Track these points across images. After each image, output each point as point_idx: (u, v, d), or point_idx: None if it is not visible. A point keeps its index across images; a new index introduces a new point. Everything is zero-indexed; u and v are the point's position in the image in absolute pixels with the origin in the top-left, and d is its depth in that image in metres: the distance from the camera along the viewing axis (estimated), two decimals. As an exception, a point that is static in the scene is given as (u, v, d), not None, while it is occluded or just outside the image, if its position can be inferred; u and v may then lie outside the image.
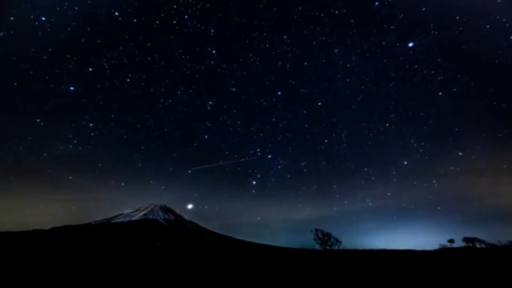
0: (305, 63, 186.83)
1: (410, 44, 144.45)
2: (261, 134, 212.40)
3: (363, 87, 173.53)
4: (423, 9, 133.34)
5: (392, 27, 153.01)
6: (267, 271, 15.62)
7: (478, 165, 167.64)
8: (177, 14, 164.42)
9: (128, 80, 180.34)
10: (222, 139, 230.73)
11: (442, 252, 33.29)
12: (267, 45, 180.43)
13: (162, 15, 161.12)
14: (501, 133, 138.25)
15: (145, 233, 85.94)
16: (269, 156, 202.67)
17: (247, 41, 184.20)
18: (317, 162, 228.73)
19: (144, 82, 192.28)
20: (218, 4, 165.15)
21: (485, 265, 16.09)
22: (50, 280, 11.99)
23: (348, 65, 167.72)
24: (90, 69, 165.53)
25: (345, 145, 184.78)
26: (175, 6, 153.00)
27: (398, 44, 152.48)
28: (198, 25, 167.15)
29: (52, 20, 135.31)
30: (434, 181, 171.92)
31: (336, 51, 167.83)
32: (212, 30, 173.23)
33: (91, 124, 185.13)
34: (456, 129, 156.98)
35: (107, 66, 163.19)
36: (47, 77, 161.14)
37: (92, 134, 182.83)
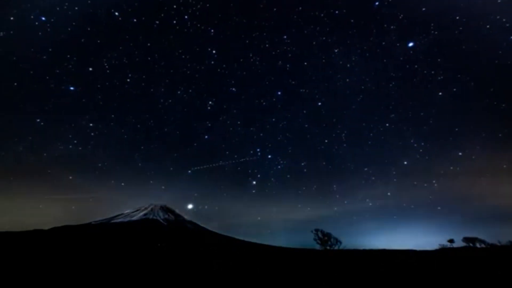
0: (305, 63, 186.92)
1: (410, 44, 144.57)
2: (261, 134, 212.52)
3: (363, 87, 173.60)
4: (423, 9, 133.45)
5: (392, 27, 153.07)
6: (267, 271, 15.61)
7: (478, 165, 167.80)
8: (177, 14, 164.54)
9: (128, 80, 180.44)
10: (222, 139, 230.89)
11: (442, 252, 33.28)
12: (267, 45, 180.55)
13: (162, 15, 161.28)
14: (501, 133, 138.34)
15: (145, 233, 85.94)
16: (269, 156, 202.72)
17: (247, 41, 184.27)
18: (317, 162, 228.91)
19: (144, 82, 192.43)
20: (218, 4, 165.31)
21: (485, 265, 16.08)
22: (50, 280, 11.98)
23: (348, 65, 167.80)
24: (90, 69, 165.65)
25: (345, 145, 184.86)
26: (175, 6, 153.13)
27: (398, 44, 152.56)
28: (198, 25, 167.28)
29: (52, 20, 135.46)
30: (434, 181, 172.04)
31: (336, 51, 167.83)
32: (212, 30, 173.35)
33: (91, 124, 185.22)
34: (456, 129, 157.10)
35: (107, 66, 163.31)
36: (47, 77, 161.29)
37: (92, 134, 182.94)
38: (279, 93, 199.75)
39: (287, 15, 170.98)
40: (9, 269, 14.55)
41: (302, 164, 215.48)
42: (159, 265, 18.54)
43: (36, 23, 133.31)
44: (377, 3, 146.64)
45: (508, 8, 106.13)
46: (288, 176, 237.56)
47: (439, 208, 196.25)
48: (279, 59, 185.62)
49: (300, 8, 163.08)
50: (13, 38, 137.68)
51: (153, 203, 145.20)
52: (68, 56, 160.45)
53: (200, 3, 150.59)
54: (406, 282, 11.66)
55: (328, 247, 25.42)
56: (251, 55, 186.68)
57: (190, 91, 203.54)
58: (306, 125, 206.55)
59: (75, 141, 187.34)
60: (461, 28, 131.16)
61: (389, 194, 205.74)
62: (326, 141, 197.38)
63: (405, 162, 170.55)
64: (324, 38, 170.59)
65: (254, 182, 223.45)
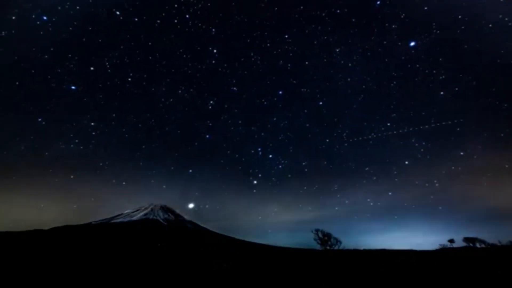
0: (306, 63, 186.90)
1: (412, 44, 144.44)
2: (262, 134, 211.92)
3: (364, 87, 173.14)
4: (425, 8, 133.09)
5: (393, 26, 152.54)
6: (267, 271, 15.59)
7: (480, 165, 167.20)
8: (178, 14, 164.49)
9: (129, 79, 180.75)
10: (223, 139, 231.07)
11: (442, 252, 33.25)
12: (268, 45, 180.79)
13: (163, 14, 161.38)
14: (503, 133, 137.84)
15: (145, 233, 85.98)
16: (270, 156, 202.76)
17: (248, 41, 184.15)
18: (318, 161, 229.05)
19: (145, 82, 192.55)
20: (219, 4, 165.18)
21: (486, 265, 16.05)
22: (50, 280, 11.98)
23: (350, 65, 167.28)
24: (92, 68, 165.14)
25: (346, 144, 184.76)
26: (176, 6, 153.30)
27: (399, 44, 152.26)
28: (199, 25, 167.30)
29: (53, 19, 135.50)
30: (435, 181, 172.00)
31: (337, 50, 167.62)
32: (213, 30, 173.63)
33: (92, 124, 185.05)
34: (458, 129, 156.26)
35: (108, 66, 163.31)
36: (49, 77, 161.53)
37: (93, 133, 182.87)
38: (280, 92, 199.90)
39: (288, 14, 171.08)
40: (9, 269, 14.55)
41: (303, 163, 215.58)
42: (159, 265, 18.54)
43: (38, 22, 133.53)
44: (378, 2, 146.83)
45: (510, 7, 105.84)
46: (289, 175, 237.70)
47: (440, 208, 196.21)
48: (280, 59, 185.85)
49: (302, 7, 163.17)
50: (14, 38, 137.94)
51: (153, 203, 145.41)
52: (70, 55, 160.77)
53: (201, 3, 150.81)
54: (406, 282, 11.64)
55: (328, 247, 25.40)
56: (252, 55, 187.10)
57: (191, 90, 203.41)
58: (307, 125, 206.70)
59: (76, 140, 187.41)
60: (463, 27, 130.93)
61: (390, 193, 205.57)
62: (327, 140, 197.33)
63: (406, 162, 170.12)
64: (325, 37, 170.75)
65: (255, 182, 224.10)
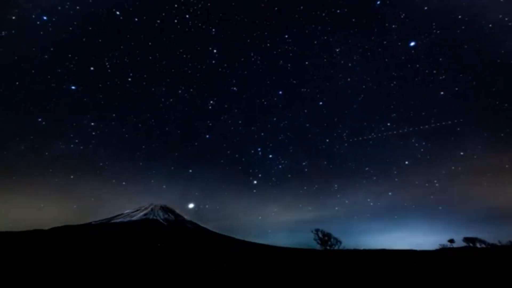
0: (306, 63, 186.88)
1: (412, 43, 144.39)
2: (262, 134, 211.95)
3: (364, 87, 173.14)
4: (425, 8, 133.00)
5: (393, 26, 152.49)
6: (267, 271, 15.59)
7: (480, 164, 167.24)
8: (178, 14, 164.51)
9: (129, 79, 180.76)
10: (223, 139, 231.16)
11: (442, 252, 33.25)
12: (268, 45, 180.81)
13: (163, 14, 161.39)
14: (503, 133, 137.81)
15: (145, 233, 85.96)
16: (270, 156, 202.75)
17: (248, 41, 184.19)
18: (318, 161, 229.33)
19: (145, 82, 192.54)
20: (219, 4, 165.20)
21: (486, 265, 16.05)
22: (50, 280, 11.98)
23: (350, 65, 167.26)
24: (92, 68, 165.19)
25: (346, 144, 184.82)
26: (176, 6, 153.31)
27: (399, 43, 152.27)
28: (199, 25, 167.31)
29: (53, 19, 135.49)
30: (435, 181, 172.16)
31: (337, 50, 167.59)
32: (213, 30, 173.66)
33: (92, 123, 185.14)
34: (458, 129, 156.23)
35: (108, 66, 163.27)
36: (49, 77, 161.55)
37: (93, 133, 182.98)
38: (280, 92, 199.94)
39: (288, 14, 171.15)
40: (9, 269, 14.55)
41: (303, 163, 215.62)
42: (159, 265, 18.54)
43: (38, 22, 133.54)
44: (378, 2, 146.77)
45: (510, 7, 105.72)
46: (289, 175, 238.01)
47: (440, 208, 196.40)
48: (280, 59, 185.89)
49: (302, 7, 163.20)
50: (14, 38, 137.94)
51: (153, 203, 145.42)
52: (70, 55, 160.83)
53: (201, 3, 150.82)
54: (406, 282, 11.64)
55: (328, 247, 25.39)
56: (252, 55, 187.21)
57: (191, 90, 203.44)
58: (307, 125, 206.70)
59: (76, 140, 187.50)
60: (463, 27, 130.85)
61: (390, 193, 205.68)
62: (327, 140, 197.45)
63: (406, 162, 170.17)
64: (325, 37, 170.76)
65: (255, 182, 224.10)
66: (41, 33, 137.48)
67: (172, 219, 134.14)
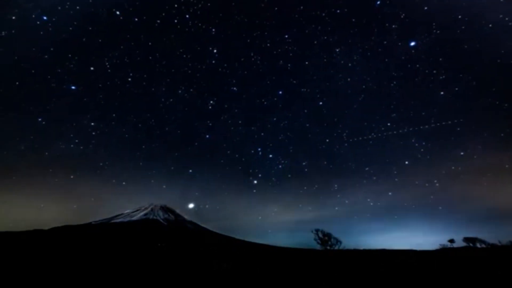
0: (306, 63, 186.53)
1: (412, 43, 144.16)
2: (262, 134, 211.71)
3: (364, 87, 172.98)
4: (425, 8, 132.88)
5: (393, 26, 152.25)
6: (267, 271, 15.59)
7: (480, 164, 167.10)
8: (178, 13, 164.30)
9: (129, 79, 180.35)
10: (223, 139, 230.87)
11: (442, 252, 33.25)
12: (268, 45, 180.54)
13: (163, 14, 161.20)
14: (503, 133, 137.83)
15: (145, 233, 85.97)
16: (270, 156, 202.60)
17: (248, 41, 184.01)
18: (318, 161, 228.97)
19: (145, 81, 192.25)
20: (219, 4, 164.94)
21: (486, 265, 16.05)
22: (50, 280, 11.98)
23: (350, 65, 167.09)
24: (92, 68, 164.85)
25: (346, 144, 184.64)
26: (176, 6, 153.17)
27: (399, 43, 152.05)
28: (199, 25, 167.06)
29: (53, 19, 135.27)
30: (435, 181, 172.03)
31: (337, 50, 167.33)
32: (213, 30, 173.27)
33: (92, 123, 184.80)
34: (458, 129, 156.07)
35: (108, 65, 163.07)
36: (49, 77, 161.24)
37: (93, 133, 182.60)
38: (280, 92, 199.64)
39: (288, 14, 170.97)
40: (9, 269, 14.55)
41: (303, 163, 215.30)
42: (159, 265, 18.54)
43: (38, 22, 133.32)
44: (378, 2, 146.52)
45: (510, 7, 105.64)
46: (289, 175, 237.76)
47: (440, 208, 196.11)
48: (280, 59, 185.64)
49: (302, 7, 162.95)
50: (14, 38, 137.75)
51: (153, 203, 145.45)
52: (70, 55, 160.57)
53: (201, 3, 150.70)
54: (406, 282, 11.64)
55: (328, 247, 25.39)
56: (252, 55, 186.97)
57: (191, 90, 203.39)
58: (307, 125, 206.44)
59: (76, 140, 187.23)
60: (463, 27, 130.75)
61: (390, 193, 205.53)
62: (327, 140, 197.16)
63: (406, 162, 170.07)
64: (325, 37, 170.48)
65: (255, 182, 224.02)
66: (41, 33, 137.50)
67: (172, 219, 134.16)
